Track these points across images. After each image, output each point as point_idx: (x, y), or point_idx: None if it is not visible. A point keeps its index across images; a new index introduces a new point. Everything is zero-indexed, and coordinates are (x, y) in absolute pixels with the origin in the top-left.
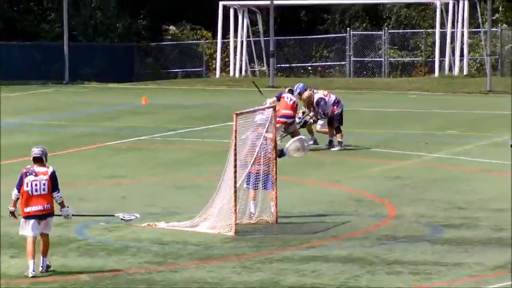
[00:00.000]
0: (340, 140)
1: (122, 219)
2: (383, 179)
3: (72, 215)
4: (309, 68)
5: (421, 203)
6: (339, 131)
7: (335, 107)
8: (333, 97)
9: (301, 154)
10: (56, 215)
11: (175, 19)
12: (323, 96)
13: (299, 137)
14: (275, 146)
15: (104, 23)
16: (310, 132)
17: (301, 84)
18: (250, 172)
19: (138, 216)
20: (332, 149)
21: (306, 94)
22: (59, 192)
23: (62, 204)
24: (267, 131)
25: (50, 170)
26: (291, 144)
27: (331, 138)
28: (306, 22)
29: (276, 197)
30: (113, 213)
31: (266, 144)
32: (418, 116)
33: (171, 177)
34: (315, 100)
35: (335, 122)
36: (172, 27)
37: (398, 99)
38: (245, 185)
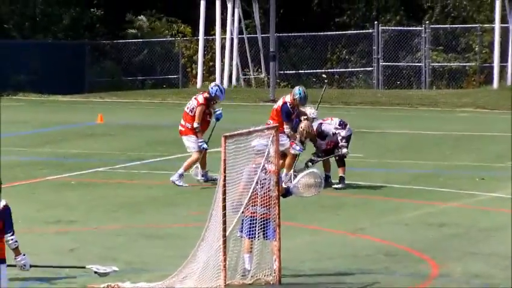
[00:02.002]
0: (342, 175)
1: (95, 272)
2: (422, 227)
3: (31, 266)
4: (323, 75)
5: (474, 258)
6: (342, 164)
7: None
8: (335, 120)
9: (314, 193)
10: (10, 266)
11: (142, 8)
12: (322, 121)
13: (311, 170)
14: (278, 181)
15: (45, 13)
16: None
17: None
18: (244, 215)
19: (116, 269)
20: (334, 187)
21: (302, 125)
22: (12, 234)
23: (16, 251)
24: (268, 161)
25: (1, 204)
26: (300, 179)
27: (328, 173)
28: (320, 14)
29: (279, 249)
30: (83, 265)
31: (266, 178)
32: (471, 141)
33: (137, 222)
34: (315, 129)
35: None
36: (142, 18)
37: (444, 119)
38: (238, 233)
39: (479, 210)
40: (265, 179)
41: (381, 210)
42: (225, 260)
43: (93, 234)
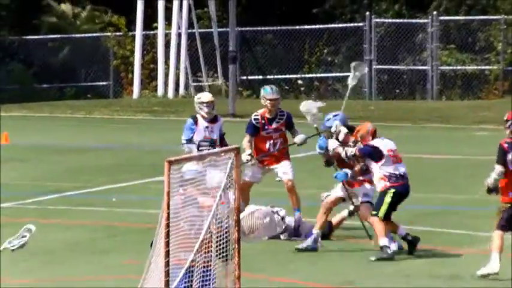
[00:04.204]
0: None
1: (12, 249)
2: (428, 279)
3: None
4: (299, 81)
5: None
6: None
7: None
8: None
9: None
10: None
11: None
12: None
13: (257, 208)
14: (238, 220)
15: None
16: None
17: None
18: (176, 265)
19: (32, 229)
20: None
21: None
22: None
23: None
24: (203, 193)
25: None
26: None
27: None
28: (294, 3)
29: None
30: None
31: (197, 215)
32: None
33: (53, 275)
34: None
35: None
36: (67, 6)
37: (457, 139)
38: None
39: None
40: (196, 216)
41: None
42: None
43: None
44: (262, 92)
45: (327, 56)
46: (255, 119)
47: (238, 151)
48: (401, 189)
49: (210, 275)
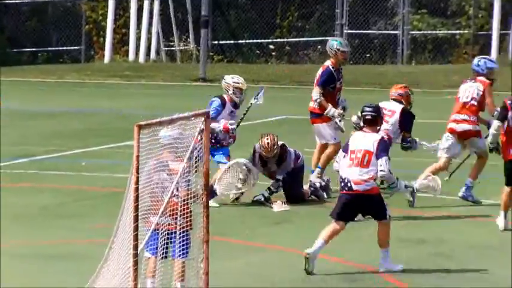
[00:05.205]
0: None
1: None
2: (394, 243)
3: None
4: (271, 46)
5: (462, 283)
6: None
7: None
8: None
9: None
10: None
11: None
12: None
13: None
14: (207, 185)
15: None
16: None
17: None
18: (147, 228)
19: None
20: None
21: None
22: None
23: None
24: (175, 158)
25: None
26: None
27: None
28: None
29: (207, 273)
30: None
31: (167, 179)
32: None
33: (22, 238)
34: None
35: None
36: None
37: (427, 103)
38: (145, 252)
39: (470, 221)
40: (166, 180)
41: (349, 226)
42: (136, 286)
43: None
44: (334, 43)
45: (298, 21)
46: (333, 67)
47: (208, 115)
48: None
49: (174, 237)
